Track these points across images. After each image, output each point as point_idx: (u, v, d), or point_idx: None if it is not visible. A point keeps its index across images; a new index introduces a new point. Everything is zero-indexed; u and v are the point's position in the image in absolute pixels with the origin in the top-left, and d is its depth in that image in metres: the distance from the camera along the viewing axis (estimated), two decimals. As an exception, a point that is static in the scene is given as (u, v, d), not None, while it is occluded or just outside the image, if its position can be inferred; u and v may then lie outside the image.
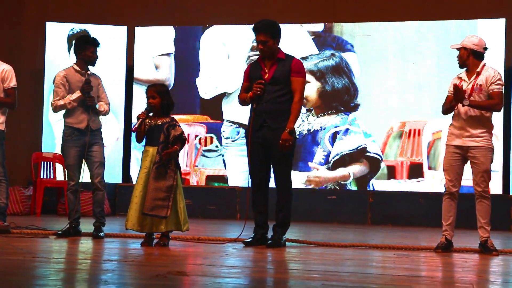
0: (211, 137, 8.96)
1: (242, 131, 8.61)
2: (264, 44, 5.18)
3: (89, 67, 5.67)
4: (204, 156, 8.94)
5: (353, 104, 8.59)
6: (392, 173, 8.42)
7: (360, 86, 8.58)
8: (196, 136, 8.95)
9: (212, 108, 8.96)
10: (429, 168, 8.27)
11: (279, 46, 5.26)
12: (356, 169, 8.46)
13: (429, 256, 4.90)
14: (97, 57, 5.65)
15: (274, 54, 5.24)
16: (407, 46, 8.52)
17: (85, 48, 5.61)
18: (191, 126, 8.89)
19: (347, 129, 8.55)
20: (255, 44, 8.66)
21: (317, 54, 8.72)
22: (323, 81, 8.67)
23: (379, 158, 8.43)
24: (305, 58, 8.60)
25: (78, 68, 5.63)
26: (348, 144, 8.53)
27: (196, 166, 8.91)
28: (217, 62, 8.92)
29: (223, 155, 8.82)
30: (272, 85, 5.19)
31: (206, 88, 8.98)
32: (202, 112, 9.01)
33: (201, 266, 4.14)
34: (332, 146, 8.54)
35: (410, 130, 8.43)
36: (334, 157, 8.51)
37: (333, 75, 8.66)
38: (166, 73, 9.03)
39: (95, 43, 5.63)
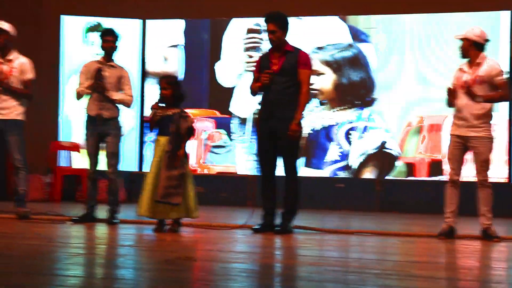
0: (220, 133, 8.60)
1: (245, 126, 8.47)
2: (273, 33, 5.22)
3: (117, 60, 5.74)
4: (213, 153, 8.61)
5: (369, 99, 8.27)
6: (411, 170, 8.13)
7: (376, 79, 8.29)
8: (204, 131, 8.62)
9: (220, 102, 8.67)
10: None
11: (286, 39, 5.29)
12: (373, 173, 8.22)
13: (431, 242, 4.92)
14: (110, 47, 5.65)
15: (282, 46, 5.27)
16: (425, 38, 8.20)
17: (100, 40, 5.70)
18: (199, 121, 8.45)
19: (366, 127, 8.20)
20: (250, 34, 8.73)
21: (334, 44, 8.39)
22: (339, 73, 8.34)
23: (396, 155, 8.12)
24: (321, 48, 8.37)
25: (100, 59, 5.71)
26: (370, 143, 8.17)
27: (204, 163, 8.61)
28: (238, 53, 8.64)
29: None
30: (280, 76, 5.23)
31: (226, 74, 8.66)
32: (210, 106, 8.74)
33: (210, 251, 4.19)
34: (349, 143, 8.20)
35: (429, 125, 8.13)
36: (358, 158, 8.14)
37: (351, 67, 8.31)
38: (175, 65, 8.86)
39: (103, 33, 5.72)
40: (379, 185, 8.26)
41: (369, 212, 8.07)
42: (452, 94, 5.18)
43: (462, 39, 5.21)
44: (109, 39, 5.67)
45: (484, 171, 5.10)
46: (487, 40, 5.20)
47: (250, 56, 8.56)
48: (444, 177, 7.83)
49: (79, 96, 5.71)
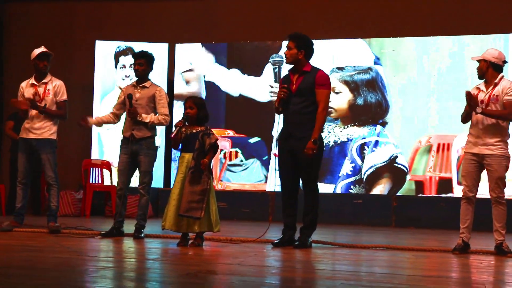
0: (236, 152, 8.59)
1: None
2: (289, 50, 5.20)
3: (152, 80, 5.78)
4: (229, 171, 8.61)
5: (381, 121, 8.28)
6: (420, 188, 8.09)
7: (390, 101, 8.29)
8: (221, 150, 8.58)
9: (237, 122, 8.69)
10: (459, 183, 7.65)
11: (305, 60, 5.24)
12: (385, 187, 8.19)
13: (446, 257, 4.82)
14: (142, 70, 5.64)
15: (300, 67, 5.23)
16: (438, 59, 8.19)
17: (133, 63, 5.73)
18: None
19: (377, 141, 8.19)
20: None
21: (354, 66, 8.39)
22: (356, 94, 8.33)
23: (405, 170, 8.10)
24: (341, 68, 8.39)
25: (134, 83, 5.74)
26: (380, 156, 8.16)
27: (221, 180, 8.60)
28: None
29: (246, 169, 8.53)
30: (297, 96, 5.19)
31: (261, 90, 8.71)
32: (227, 126, 8.77)
33: (230, 265, 4.14)
34: (360, 158, 8.16)
35: (439, 145, 8.04)
36: (367, 170, 8.15)
37: (368, 89, 8.31)
38: (197, 87, 8.91)
39: (134, 56, 5.75)
40: (395, 201, 8.15)
41: (387, 227, 7.96)
42: (470, 98, 4.98)
43: (479, 61, 5.13)
44: (140, 62, 5.68)
45: (499, 189, 4.99)
46: (504, 61, 5.12)
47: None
48: (457, 194, 7.72)
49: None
